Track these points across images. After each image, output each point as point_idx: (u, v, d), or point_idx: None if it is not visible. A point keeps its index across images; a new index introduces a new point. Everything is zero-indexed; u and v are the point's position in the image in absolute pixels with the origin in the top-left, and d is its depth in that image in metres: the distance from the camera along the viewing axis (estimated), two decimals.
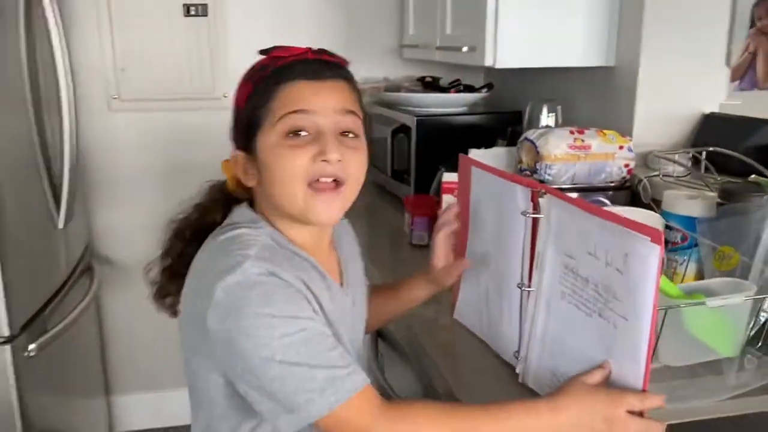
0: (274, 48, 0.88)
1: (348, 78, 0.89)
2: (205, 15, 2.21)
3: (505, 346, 1.03)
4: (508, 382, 0.97)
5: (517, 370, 0.97)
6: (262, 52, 0.88)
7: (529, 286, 0.94)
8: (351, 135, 0.85)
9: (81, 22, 2.15)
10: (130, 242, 2.36)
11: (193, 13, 2.21)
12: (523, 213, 0.94)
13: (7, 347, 1.48)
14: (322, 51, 0.89)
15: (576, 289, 0.85)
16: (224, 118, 2.42)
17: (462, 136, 1.93)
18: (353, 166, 0.85)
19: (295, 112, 0.82)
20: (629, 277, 0.75)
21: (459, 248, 1.12)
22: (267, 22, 2.27)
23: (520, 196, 0.95)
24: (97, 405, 2.28)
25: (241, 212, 0.90)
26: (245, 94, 0.88)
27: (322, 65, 0.86)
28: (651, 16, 1.57)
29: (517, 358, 0.98)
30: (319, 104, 0.83)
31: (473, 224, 1.09)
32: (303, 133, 0.83)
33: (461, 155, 1.12)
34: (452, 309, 1.18)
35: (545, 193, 0.91)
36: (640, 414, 0.77)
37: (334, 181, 0.83)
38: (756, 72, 3.40)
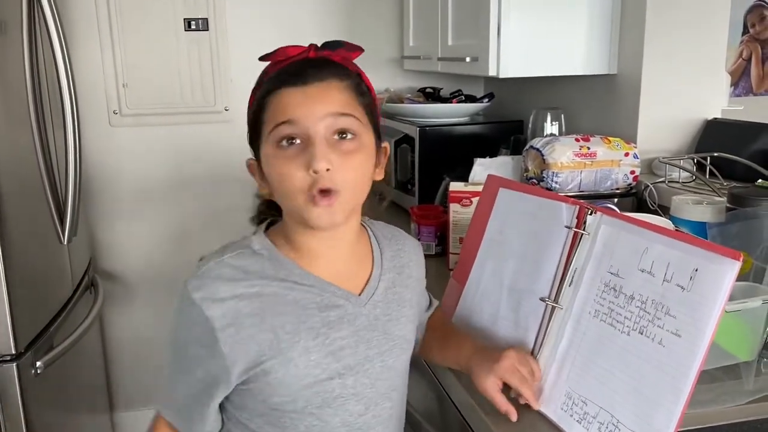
0: (274, 51, 0.86)
1: (341, 76, 0.84)
2: (206, 29, 2.22)
3: None
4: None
5: None
6: (262, 57, 0.87)
7: (555, 302, 0.94)
8: (348, 136, 0.82)
9: (83, 38, 2.16)
10: (133, 256, 2.36)
11: (193, 27, 2.21)
12: (568, 227, 0.94)
13: (13, 365, 1.46)
14: (326, 45, 0.86)
15: (614, 306, 0.86)
16: (225, 131, 2.43)
17: (465, 145, 1.94)
18: (347, 171, 0.81)
19: (283, 123, 0.81)
20: (695, 293, 0.77)
21: (465, 259, 1.11)
22: (268, 36, 2.28)
23: (566, 213, 0.96)
24: (101, 421, 2.27)
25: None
26: (250, 102, 0.88)
27: (311, 68, 0.83)
28: (652, 24, 1.58)
29: None
30: (305, 112, 0.80)
31: (488, 241, 1.09)
32: (296, 141, 0.81)
33: (490, 175, 1.12)
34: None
35: (594, 212, 0.93)
36: None
37: (328, 190, 0.81)
38: (750, 78, 3.42)
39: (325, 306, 0.86)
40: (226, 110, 2.30)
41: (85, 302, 1.93)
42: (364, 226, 0.97)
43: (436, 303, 1.12)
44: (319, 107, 0.81)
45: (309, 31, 2.32)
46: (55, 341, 1.64)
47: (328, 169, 0.79)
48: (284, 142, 0.81)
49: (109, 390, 2.42)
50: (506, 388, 0.91)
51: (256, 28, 2.28)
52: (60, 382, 1.72)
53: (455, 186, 1.49)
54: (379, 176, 0.91)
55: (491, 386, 0.90)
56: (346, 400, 0.87)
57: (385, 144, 0.93)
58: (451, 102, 2.14)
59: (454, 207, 1.48)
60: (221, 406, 0.89)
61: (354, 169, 0.82)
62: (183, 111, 2.28)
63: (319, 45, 0.87)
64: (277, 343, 0.82)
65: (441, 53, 1.98)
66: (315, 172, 0.79)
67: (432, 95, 2.28)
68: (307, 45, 0.87)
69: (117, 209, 2.33)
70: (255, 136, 0.86)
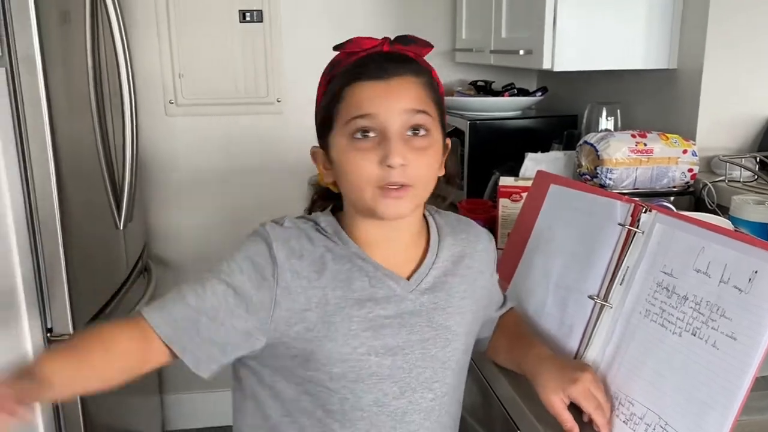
0: (348, 42, 0.87)
1: (418, 72, 0.86)
2: (261, 21, 2.25)
3: None
4: None
5: None
6: (336, 47, 0.88)
7: (605, 301, 0.92)
8: (422, 132, 0.85)
9: (141, 29, 2.21)
10: (185, 243, 2.42)
11: (248, 19, 2.24)
12: (621, 224, 0.93)
13: None
14: (399, 40, 0.88)
15: (666, 307, 0.84)
16: (277, 121, 2.45)
17: (515, 139, 1.92)
18: (420, 167, 0.84)
19: (360, 116, 0.83)
20: (753, 295, 0.74)
21: (511, 255, 1.10)
22: (320, 27, 2.29)
23: (620, 211, 0.94)
24: (152, 403, 2.33)
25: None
26: (320, 91, 0.90)
27: (389, 62, 0.85)
28: (715, 17, 1.53)
29: None
30: (384, 107, 0.82)
31: (536, 237, 1.07)
32: (370, 134, 0.83)
33: (539, 171, 1.11)
34: None
35: (648, 210, 0.91)
36: None
37: (400, 184, 0.84)
38: None
39: (375, 284, 0.88)
40: (279, 101, 2.32)
41: (139, 286, 1.98)
42: (426, 219, 0.97)
43: (511, 303, 1.09)
44: (398, 103, 0.83)
45: (362, 23, 2.33)
46: None
47: (402, 165, 0.82)
48: (359, 134, 0.84)
49: (159, 373, 2.48)
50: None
51: (309, 20, 2.30)
52: None
53: (505, 180, 1.47)
54: (440, 172, 0.92)
55: (559, 402, 0.87)
56: (381, 380, 0.87)
57: (448, 140, 0.93)
58: (503, 95, 2.11)
59: (503, 202, 1.46)
60: (254, 380, 0.91)
61: (426, 165, 0.85)
62: (236, 102, 2.32)
63: (392, 39, 0.88)
64: (325, 303, 0.85)
65: (494, 46, 1.95)
66: (389, 166, 0.81)
67: (483, 88, 2.26)
68: (381, 38, 0.88)
69: (171, 197, 2.39)
70: (326, 126, 0.88)
